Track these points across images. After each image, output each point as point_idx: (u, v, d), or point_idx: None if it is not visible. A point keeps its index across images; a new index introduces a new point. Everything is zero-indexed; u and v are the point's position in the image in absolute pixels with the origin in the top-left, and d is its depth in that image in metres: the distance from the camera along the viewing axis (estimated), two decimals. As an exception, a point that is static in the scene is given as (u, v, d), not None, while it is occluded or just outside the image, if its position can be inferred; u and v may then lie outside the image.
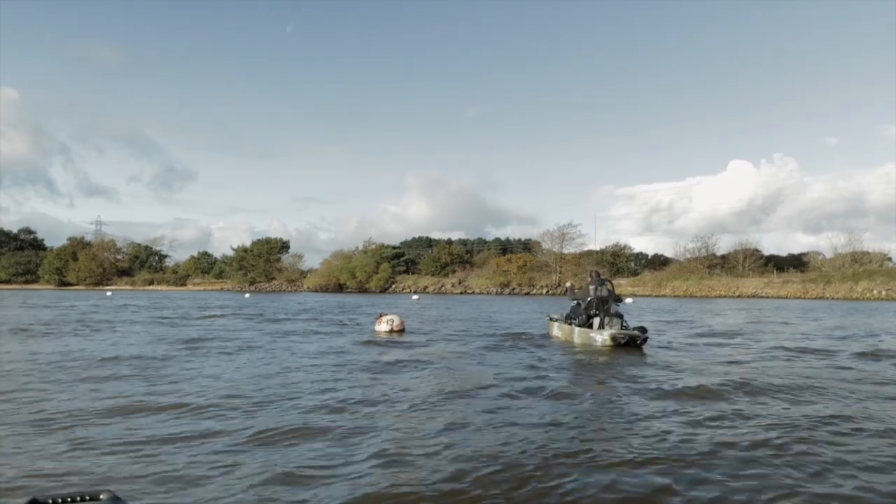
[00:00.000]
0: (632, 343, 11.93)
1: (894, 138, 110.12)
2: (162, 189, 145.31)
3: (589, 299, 13.10)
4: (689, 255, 70.23)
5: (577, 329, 13.15)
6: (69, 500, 1.49)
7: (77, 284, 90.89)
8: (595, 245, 74.41)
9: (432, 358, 10.61)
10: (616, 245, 76.57)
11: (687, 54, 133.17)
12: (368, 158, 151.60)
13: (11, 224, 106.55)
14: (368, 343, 13.02)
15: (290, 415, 5.94)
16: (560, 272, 66.03)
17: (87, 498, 1.51)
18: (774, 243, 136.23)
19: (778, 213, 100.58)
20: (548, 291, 65.83)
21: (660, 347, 12.44)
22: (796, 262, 69.80)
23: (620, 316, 12.80)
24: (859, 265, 60.70)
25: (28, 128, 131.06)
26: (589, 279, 13.59)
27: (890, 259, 61.94)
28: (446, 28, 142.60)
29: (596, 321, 12.75)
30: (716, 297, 56.69)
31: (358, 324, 18.67)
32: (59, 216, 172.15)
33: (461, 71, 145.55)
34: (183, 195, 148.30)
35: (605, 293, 13.05)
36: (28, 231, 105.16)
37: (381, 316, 15.65)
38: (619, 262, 73.84)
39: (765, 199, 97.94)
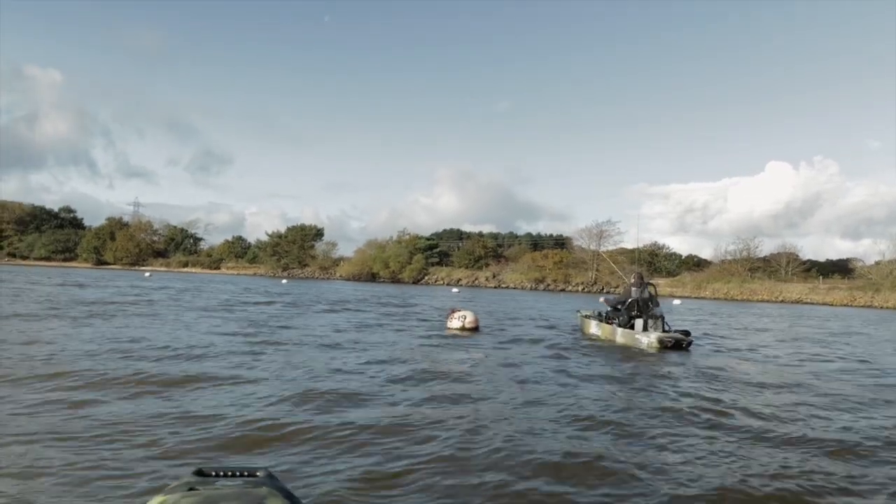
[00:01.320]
0: (678, 346, 12.10)
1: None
2: (199, 172, 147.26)
3: (630, 300, 13.38)
4: (728, 257, 68.71)
5: (619, 329, 13.30)
6: (229, 473, 1.58)
7: (114, 264, 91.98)
8: (632, 244, 73.21)
9: (514, 360, 10.09)
10: (654, 244, 75.07)
11: (727, 52, 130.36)
12: (400, 149, 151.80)
13: (53, 203, 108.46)
14: (444, 339, 12.62)
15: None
16: (597, 270, 65.02)
17: (246, 473, 1.59)
18: (811, 248, 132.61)
19: (816, 217, 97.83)
20: (583, 289, 64.85)
21: (743, 362, 11.68)
22: (835, 268, 67.75)
23: (662, 317, 12.95)
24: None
25: (71, 109, 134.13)
26: (632, 280, 13.93)
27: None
28: (480, 20, 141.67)
29: (638, 322, 12.87)
30: (758, 301, 55.27)
31: (425, 319, 18.14)
32: (98, 196, 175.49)
33: (493, 63, 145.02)
34: (219, 179, 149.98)
35: (647, 295, 13.48)
36: (68, 210, 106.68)
37: (453, 312, 14.55)
38: (656, 261, 72.41)
39: (803, 202, 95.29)
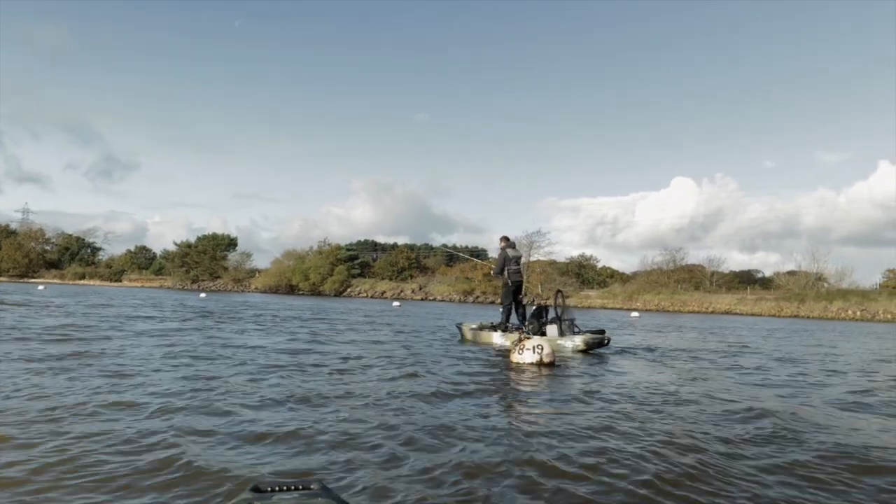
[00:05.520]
0: (600, 345, 12.57)
1: (827, 164, 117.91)
2: (100, 178, 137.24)
3: (539, 305, 13.46)
4: (654, 268, 68.87)
5: (535, 338, 12.07)
6: (285, 487, 1.62)
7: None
8: (561, 256, 72.44)
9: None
10: (582, 256, 74.45)
11: (633, 71, 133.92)
12: (313, 159, 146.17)
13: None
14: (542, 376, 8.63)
15: None
16: (528, 281, 63.42)
17: (300, 486, 1.63)
18: (708, 260, 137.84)
19: (717, 231, 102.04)
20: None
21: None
22: (739, 279, 69.35)
23: (573, 321, 13.12)
24: (822, 283, 60.55)
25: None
26: (502, 244, 14.03)
27: (825, 279, 62.79)
28: (395, 29, 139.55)
29: (552, 328, 12.83)
30: (688, 312, 55.06)
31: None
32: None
33: (410, 74, 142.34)
34: (121, 186, 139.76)
35: (518, 254, 14.08)
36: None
37: (521, 340, 10.81)
38: (584, 272, 71.77)
39: (705, 216, 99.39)
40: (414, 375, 7.95)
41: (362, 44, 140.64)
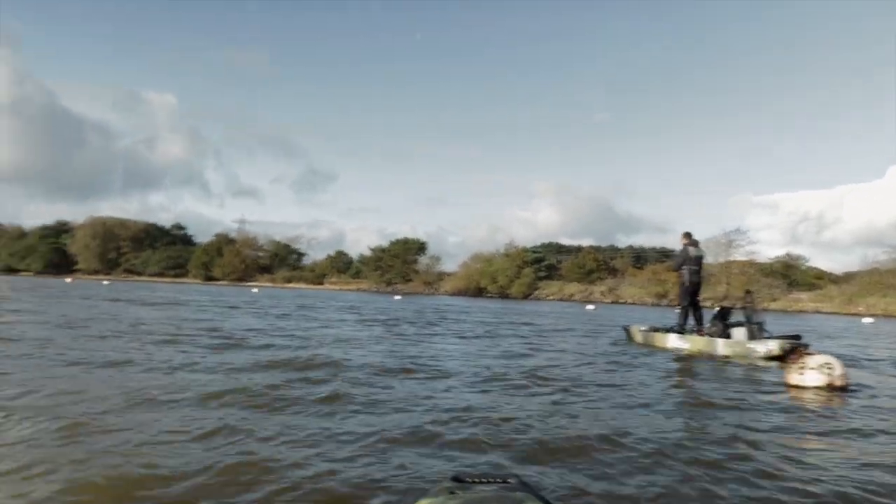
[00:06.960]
0: (793, 351, 10.80)
1: None
2: (305, 190, 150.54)
3: (722, 306, 13.03)
4: (875, 266, 61.40)
5: (720, 340, 12.25)
6: (483, 480, 1.64)
7: (222, 279, 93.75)
8: (763, 256, 67.06)
9: None
10: (788, 255, 68.39)
11: (835, 51, 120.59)
12: (496, 162, 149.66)
13: (166, 221, 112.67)
14: None
15: None
16: (728, 284, 59.54)
17: (499, 479, 1.65)
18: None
19: None
20: (712, 304, 59.40)
21: None
22: None
23: (762, 324, 12.26)
24: None
25: (186, 132, 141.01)
26: (684, 241, 13.55)
27: None
28: (575, 34, 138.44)
29: (739, 331, 12.16)
30: (924, 317, 48.57)
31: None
32: (210, 214, 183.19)
33: (589, 73, 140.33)
34: (321, 196, 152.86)
35: (700, 254, 13.43)
36: (179, 227, 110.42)
37: (799, 356, 8.55)
38: (792, 273, 65.81)
39: None
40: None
41: (541, 49, 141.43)
